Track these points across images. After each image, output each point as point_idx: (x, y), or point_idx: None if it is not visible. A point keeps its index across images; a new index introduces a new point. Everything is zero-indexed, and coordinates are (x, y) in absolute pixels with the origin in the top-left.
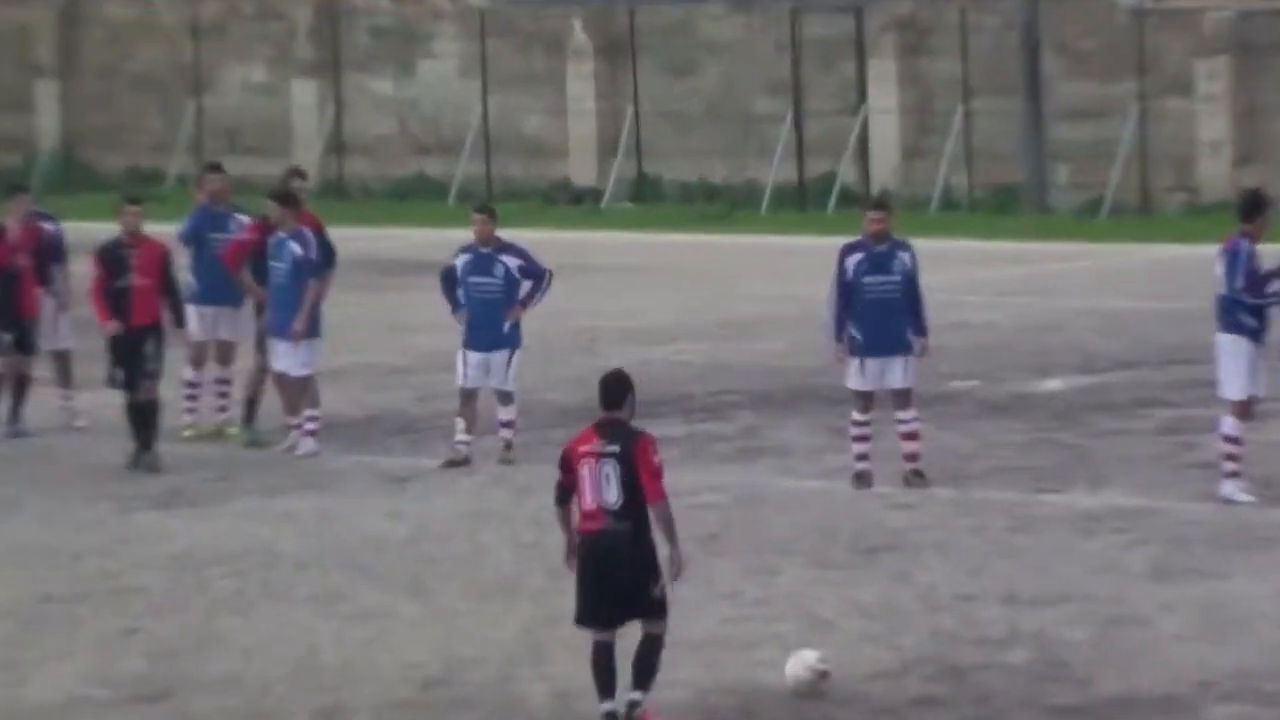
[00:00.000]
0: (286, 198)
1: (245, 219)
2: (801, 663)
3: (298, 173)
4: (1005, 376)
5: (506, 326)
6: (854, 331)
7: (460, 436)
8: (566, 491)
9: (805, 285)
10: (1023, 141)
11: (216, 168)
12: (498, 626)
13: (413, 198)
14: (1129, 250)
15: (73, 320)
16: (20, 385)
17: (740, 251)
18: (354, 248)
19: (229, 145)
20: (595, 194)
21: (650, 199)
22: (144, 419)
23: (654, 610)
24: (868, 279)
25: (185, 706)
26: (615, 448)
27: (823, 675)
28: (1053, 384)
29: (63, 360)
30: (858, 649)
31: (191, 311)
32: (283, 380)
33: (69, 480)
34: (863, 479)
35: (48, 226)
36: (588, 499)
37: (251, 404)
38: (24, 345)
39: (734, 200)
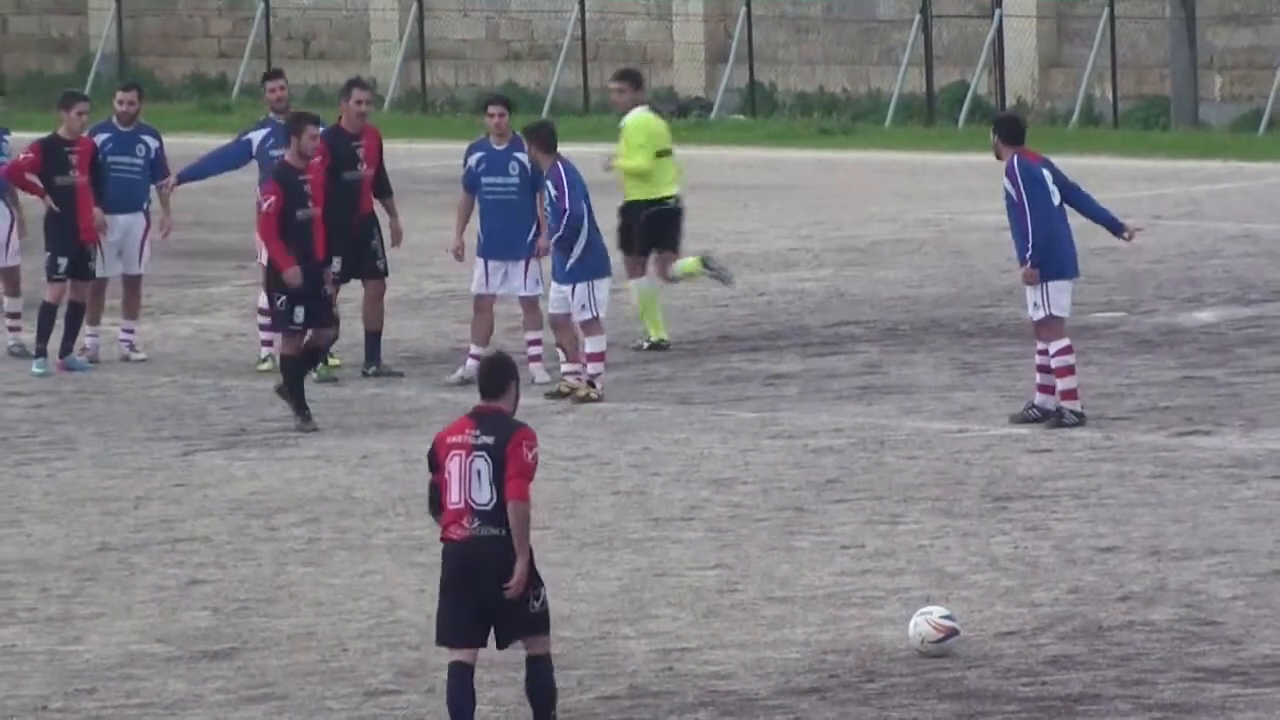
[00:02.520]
0: (509, 105)
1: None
2: (927, 620)
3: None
4: (1152, 308)
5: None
6: None
7: (565, 367)
8: (440, 494)
9: (933, 206)
10: (1172, 50)
11: (276, 74)
12: (595, 579)
13: None
14: None
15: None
16: (74, 315)
17: (862, 169)
18: (437, 165)
19: (302, 50)
20: (703, 106)
21: (763, 111)
22: (307, 367)
23: (535, 626)
24: None
25: (252, 664)
26: (489, 440)
27: (950, 634)
28: (1204, 316)
29: (135, 287)
30: (988, 605)
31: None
32: (536, 307)
33: (127, 419)
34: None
35: (150, 140)
36: (453, 495)
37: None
38: (78, 271)
39: (855, 113)
